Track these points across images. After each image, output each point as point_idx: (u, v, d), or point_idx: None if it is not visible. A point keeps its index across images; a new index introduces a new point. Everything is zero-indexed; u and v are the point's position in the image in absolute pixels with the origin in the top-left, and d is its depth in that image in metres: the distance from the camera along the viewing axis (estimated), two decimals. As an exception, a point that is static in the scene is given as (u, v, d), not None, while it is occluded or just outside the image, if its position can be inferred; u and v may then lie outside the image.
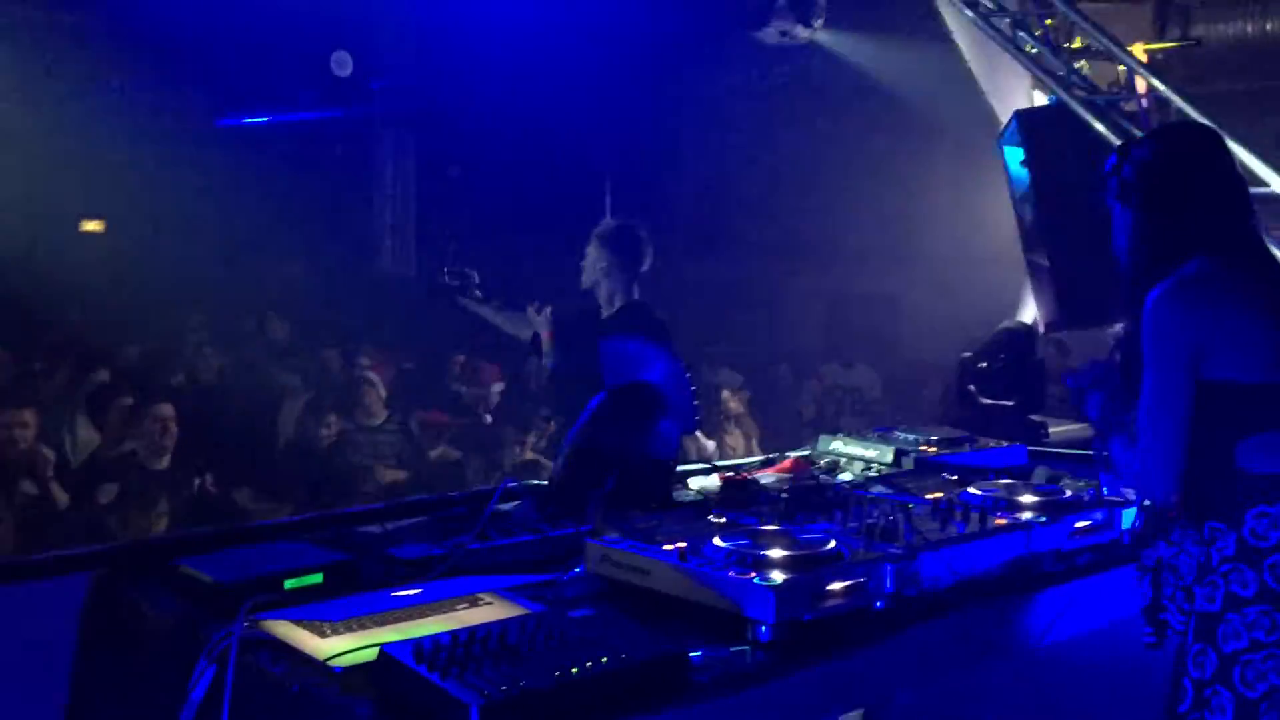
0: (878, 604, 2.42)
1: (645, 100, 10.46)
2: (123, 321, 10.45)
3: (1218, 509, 2.37)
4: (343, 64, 9.12)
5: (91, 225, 16.02)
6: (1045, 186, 5.87)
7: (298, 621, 2.31)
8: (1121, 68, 5.96)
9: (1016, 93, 6.83)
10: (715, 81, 10.70)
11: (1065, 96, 5.82)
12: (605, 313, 4.15)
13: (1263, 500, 2.32)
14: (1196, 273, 2.40)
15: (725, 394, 8.46)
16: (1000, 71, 6.87)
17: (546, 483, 3.15)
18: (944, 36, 7.39)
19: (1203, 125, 2.67)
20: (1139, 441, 2.41)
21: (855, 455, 3.71)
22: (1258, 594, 2.31)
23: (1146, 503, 2.54)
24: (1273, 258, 2.54)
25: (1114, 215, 2.56)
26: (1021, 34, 6.05)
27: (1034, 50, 5.97)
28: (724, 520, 2.73)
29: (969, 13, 6.03)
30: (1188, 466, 2.37)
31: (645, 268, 4.17)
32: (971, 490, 2.97)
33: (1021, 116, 6.12)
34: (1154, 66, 6.27)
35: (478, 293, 4.39)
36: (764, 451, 4.65)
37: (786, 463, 3.62)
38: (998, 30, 6.10)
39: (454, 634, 2.05)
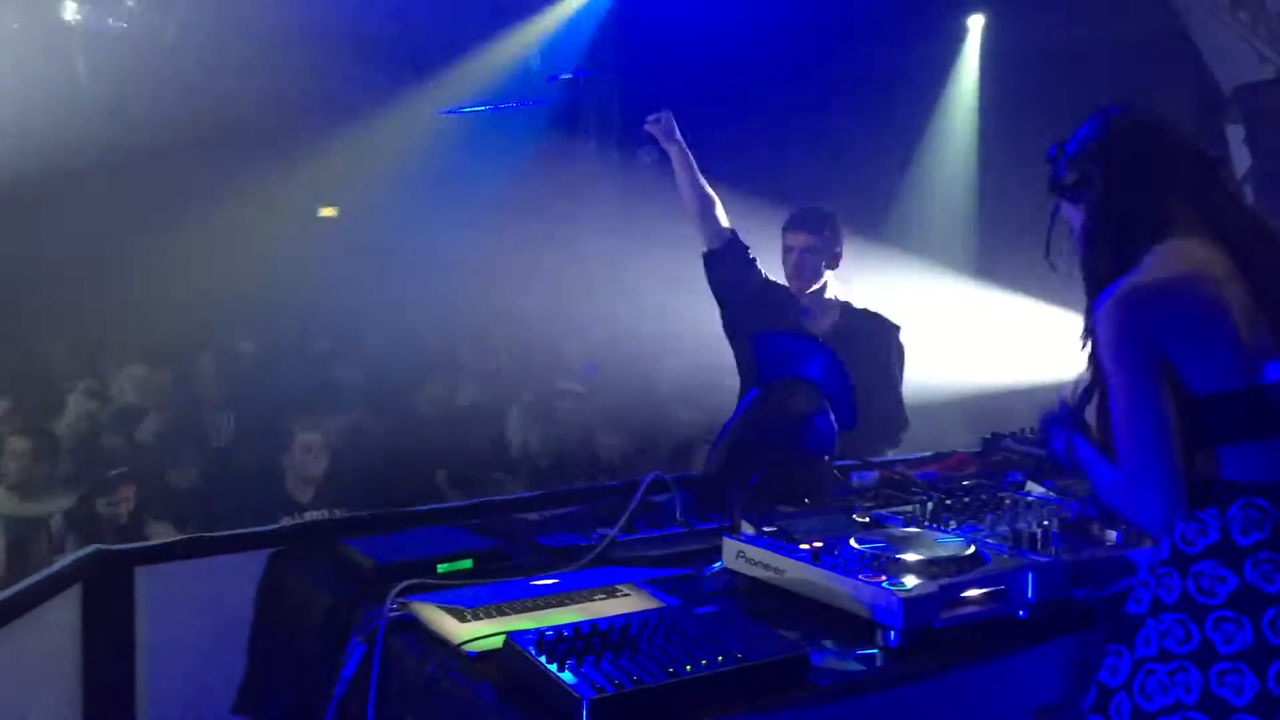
0: (1020, 613, 2.35)
1: (842, 82, 10.29)
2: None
3: None
4: (535, 59, 9.40)
5: (327, 212, 16.97)
6: (1267, 163, 5.50)
7: (442, 606, 2.43)
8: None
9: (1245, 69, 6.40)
10: (921, 62, 10.42)
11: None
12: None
13: (1194, 504, 2.10)
14: (1154, 267, 2.15)
15: None
16: (1230, 48, 6.44)
17: (698, 475, 3.18)
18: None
19: (1143, 104, 2.34)
20: (1121, 468, 2.16)
21: (1028, 454, 3.57)
22: (1177, 602, 2.10)
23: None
24: (1239, 229, 2.21)
25: (1070, 215, 2.33)
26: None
27: (1250, 20, 5.58)
28: (867, 520, 2.70)
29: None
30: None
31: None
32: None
33: (1242, 92, 5.74)
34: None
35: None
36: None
37: (953, 460, 3.53)
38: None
39: (576, 626, 2.12)
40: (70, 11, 8.63)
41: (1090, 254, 2.29)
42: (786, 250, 4.27)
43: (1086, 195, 2.28)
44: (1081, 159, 2.29)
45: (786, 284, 4.28)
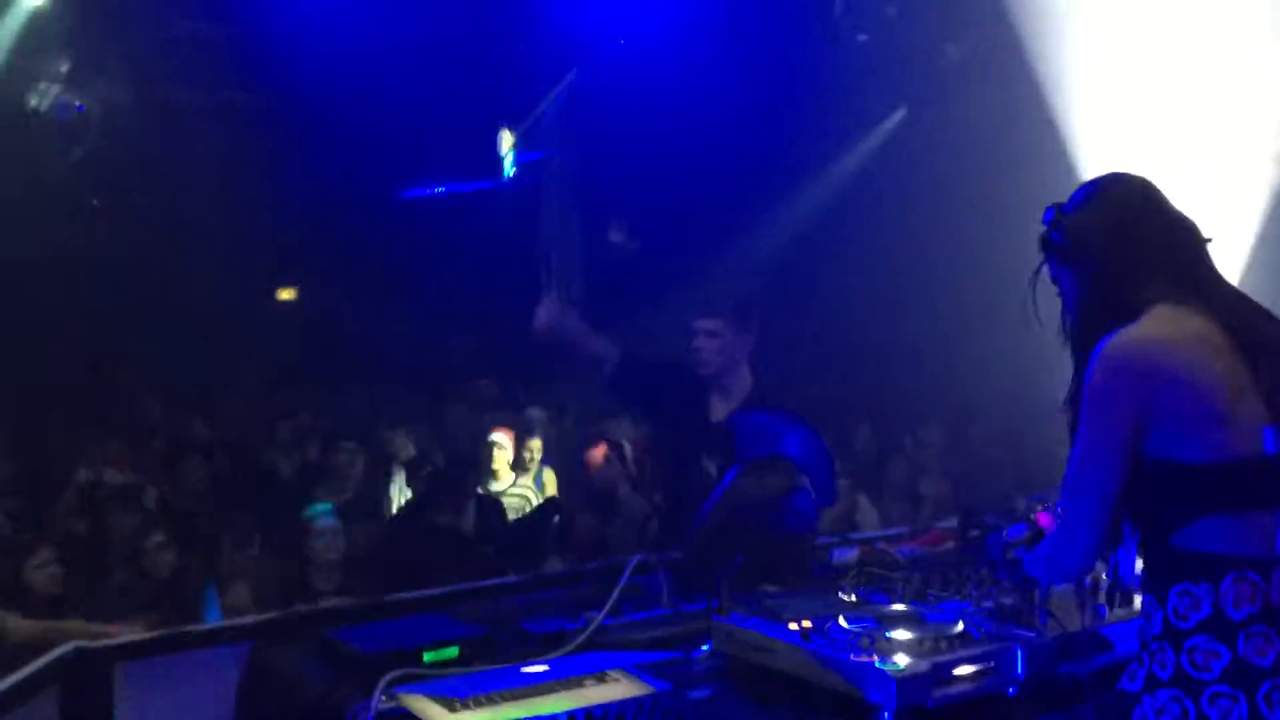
0: (1010, 690, 2.37)
1: (806, 153, 10.54)
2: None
3: (1150, 584, 2.21)
4: (502, 141, 9.54)
5: (285, 294, 16.93)
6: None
7: (431, 696, 2.40)
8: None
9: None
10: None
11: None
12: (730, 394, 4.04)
13: (1187, 578, 2.14)
14: (1148, 327, 2.20)
15: None
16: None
17: (681, 556, 3.18)
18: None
19: (1134, 174, 2.40)
20: (1060, 512, 2.23)
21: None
22: (1173, 677, 2.13)
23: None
24: (1229, 304, 2.26)
25: (1060, 279, 2.38)
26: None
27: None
28: (853, 598, 2.71)
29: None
30: (1135, 539, 2.21)
31: None
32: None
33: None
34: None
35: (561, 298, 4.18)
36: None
37: (933, 534, 3.56)
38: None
39: (571, 713, 2.11)
40: (35, 99, 8.65)
41: (1083, 321, 2.33)
42: (692, 334, 4.18)
43: (1080, 261, 2.33)
44: (1078, 225, 2.33)
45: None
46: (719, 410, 4.04)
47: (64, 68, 8.89)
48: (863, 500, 7.47)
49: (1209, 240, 2.34)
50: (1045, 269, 2.42)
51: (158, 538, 5.33)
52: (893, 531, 3.75)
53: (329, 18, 8.74)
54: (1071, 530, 2.23)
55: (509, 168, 11.28)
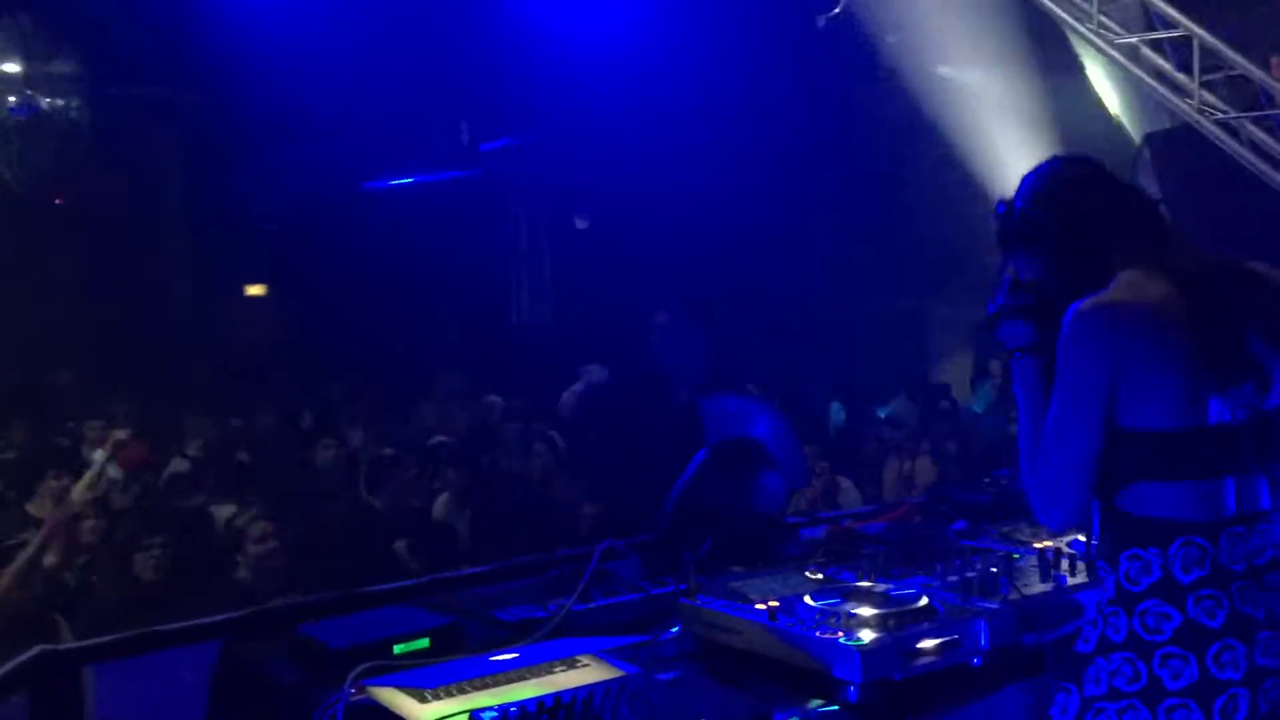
0: (974, 661, 2.39)
1: (764, 138, 10.56)
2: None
3: (1103, 549, 2.24)
4: (464, 132, 9.55)
5: (254, 290, 16.84)
6: (1177, 209, 5.68)
7: (401, 687, 2.40)
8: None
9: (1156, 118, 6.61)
10: (843, 118, 10.73)
11: (1195, 116, 5.62)
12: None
13: (1136, 543, 2.18)
14: (1119, 290, 2.22)
15: None
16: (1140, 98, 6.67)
17: (651, 539, 3.20)
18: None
19: (1076, 153, 2.45)
20: (1040, 464, 2.24)
21: (972, 503, 3.63)
22: (1125, 640, 2.17)
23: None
24: (1189, 270, 2.26)
25: (1020, 264, 2.40)
26: (1150, 54, 5.88)
27: (1161, 71, 5.80)
28: (820, 576, 2.74)
29: (1083, 30, 5.89)
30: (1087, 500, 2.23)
31: None
32: (1080, 538, 2.89)
33: (1152, 140, 5.96)
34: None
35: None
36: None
37: (899, 511, 3.58)
38: (1121, 52, 5.95)
39: (540, 700, 2.12)
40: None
41: (1051, 291, 2.33)
42: (648, 328, 4.27)
43: (1040, 245, 2.34)
44: (1031, 209, 2.35)
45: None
46: (675, 397, 4.07)
47: (20, 69, 8.82)
48: (843, 480, 7.52)
49: (1159, 203, 2.36)
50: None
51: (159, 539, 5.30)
52: (864, 509, 3.78)
53: (294, 13, 8.70)
54: (1057, 495, 2.24)
55: (475, 157, 11.28)
